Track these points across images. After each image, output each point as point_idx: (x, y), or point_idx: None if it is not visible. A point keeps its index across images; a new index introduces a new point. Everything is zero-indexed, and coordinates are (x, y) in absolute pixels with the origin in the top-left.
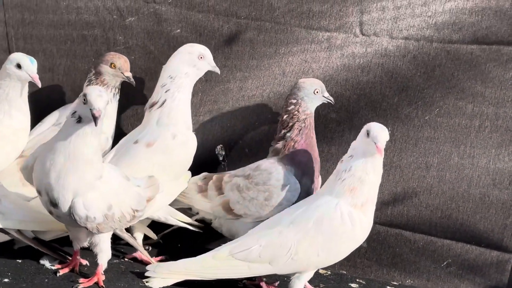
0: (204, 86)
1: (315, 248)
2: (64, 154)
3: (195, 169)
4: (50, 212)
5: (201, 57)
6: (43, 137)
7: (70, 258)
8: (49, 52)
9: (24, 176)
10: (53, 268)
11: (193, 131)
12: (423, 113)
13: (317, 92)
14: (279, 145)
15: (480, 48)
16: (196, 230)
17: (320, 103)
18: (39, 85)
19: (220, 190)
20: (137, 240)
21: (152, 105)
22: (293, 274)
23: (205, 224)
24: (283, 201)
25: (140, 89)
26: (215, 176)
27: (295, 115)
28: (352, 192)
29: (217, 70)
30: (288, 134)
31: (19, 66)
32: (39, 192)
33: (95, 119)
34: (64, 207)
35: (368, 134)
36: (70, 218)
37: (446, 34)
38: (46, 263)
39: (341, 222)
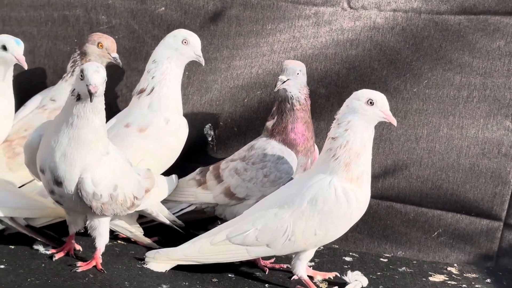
0: (192, 65)
1: (312, 228)
2: (68, 134)
3: (185, 150)
4: (52, 192)
5: (185, 42)
6: (27, 121)
7: (64, 244)
8: (29, 34)
9: (26, 155)
10: (48, 253)
11: (183, 111)
12: (412, 85)
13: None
14: (270, 124)
15: (467, 18)
16: (179, 229)
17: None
18: (25, 67)
19: (219, 178)
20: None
21: (140, 92)
22: (293, 254)
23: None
24: (282, 175)
25: (125, 70)
26: (211, 167)
27: (281, 95)
28: (347, 166)
29: (202, 60)
30: (277, 116)
31: (4, 48)
32: (42, 170)
33: (90, 95)
34: (70, 185)
35: (371, 103)
36: (74, 197)
37: (434, 5)
38: (40, 248)
39: (336, 200)
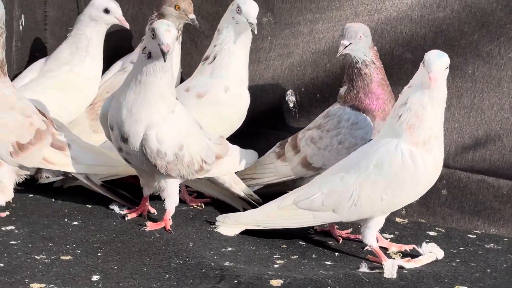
0: (274, 30)
1: (378, 193)
2: (135, 90)
3: (266, 117)
4: (120, 150)
5: (238, 10)
6: (109, 84)
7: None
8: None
9: (102, 122)
10: (122, 213)
11: (263, 76)
12: (506, 50)
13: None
14: (342, 91)
15: None
16: (256, 203)
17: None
18: (127, 27)
19: (296, 148)
20: None
21: (205, 59)
22: (362, 221)
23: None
24: (357, 141)
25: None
26: (290, 138)
27: (352, 61)
28: (411, 130)
29: (254, 28)
30: (348, 83)
31: (106, 10)
32: (111, 127)
33: (163, 54)
34: (135, 141)
35: (423, 63)
36: (139, 154)
37: None
38: (115, 208)
39: (402, 163)
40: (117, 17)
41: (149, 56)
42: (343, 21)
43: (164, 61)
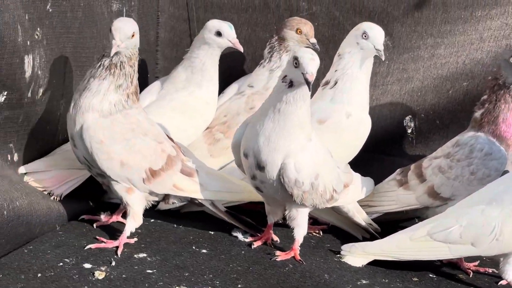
0: (392, 54)
1: None
2: (274, 119)
3: (382, 142)
4: (253, 178)
5: (364, 36)
6: (226, 108)
7: (262, 232)
8: (230, 21)
9: (235, 154)
10: (247, 240)
11: (380, 102)
12: None
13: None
14: (479, 113)
15: None
16: (375, 233)
17: None
18: (241, 50)
19: (421, 177)
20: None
21: (325, 84)
22: (501, 256)
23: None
24: (491, 172)
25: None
26: (412, 166)
27: (494, 85)
28: None
29: (382, 55)
30: (488, 104)
31: (219, 33)
32: (245, 155)
33: (308, 83)
34: (272, 170)
35: None
36: (276, 183)
37: None
38: (238, 235)
39: None
40: (230, 39)
41: (291, 85)
42: (467, 47)
43: (309, 90)
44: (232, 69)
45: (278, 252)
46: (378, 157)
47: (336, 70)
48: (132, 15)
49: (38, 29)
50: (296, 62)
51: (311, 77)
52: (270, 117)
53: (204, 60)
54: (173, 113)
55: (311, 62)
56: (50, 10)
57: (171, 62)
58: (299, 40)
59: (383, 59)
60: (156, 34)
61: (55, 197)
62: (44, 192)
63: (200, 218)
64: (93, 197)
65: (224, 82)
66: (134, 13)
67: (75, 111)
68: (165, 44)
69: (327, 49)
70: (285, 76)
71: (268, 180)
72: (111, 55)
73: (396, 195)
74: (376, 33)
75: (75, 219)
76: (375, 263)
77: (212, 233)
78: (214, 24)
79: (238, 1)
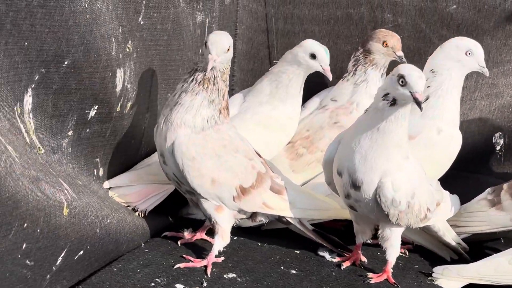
0: None
1: None
2: (372, 137)
3: (468, 159)
4: (347, 196)
5: (469, 53)
6: (308, 122)
7: (349, 252)
8: (310, 33)
9: (326, 171)
10: (334, 260)
11: (467, 117)
12: None
13: None
14: None
15: None
16: (463, 253)
17: None
18: (330, 78)
19: None
20: None
21: None
22: None
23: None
24: None
25: None
26: (505, 185)
27: None
28: None
29: (486, 71)
30: None
31: (313, 56)
32: (339, 173)
33: (418, 103)
34: (369, 189)
35: None
36: (371, 202)
37: None
38: (325, 254)
39: None
40: (323, 65)
41: (394, 103)
42: None
43: (421, 110)
44: (311, 81)
45: (370, 274)
46: (462, 174)
47: (428, 86)
48: (213, 26)
49: (130, 41)
50: (402, 80)
51: (421, 97)
52: (367, 135)
53: (291, 77)
54: (256, 127)
55: (419, 81)
56: (142, 23)
57: (248, 74)
58: (386, 53)
59: (487, 75)
60: (234, 46)
61: (140, 213)
62: (128, 207)
63: (283, 236)
64: (173, 212)
65: (303, 95)
66: (215, 24)
67: (166, 127)
68: (242, 56)
69: (412, 62)
70: (387, 93)
71: (363, 199)
72: (208, 70)
73: (488, 216)
74: (480, 50)
75: (157, 236)
76: (470, 286)
77: (298, 252)
78: (311, 45)
79: (320, 12)
